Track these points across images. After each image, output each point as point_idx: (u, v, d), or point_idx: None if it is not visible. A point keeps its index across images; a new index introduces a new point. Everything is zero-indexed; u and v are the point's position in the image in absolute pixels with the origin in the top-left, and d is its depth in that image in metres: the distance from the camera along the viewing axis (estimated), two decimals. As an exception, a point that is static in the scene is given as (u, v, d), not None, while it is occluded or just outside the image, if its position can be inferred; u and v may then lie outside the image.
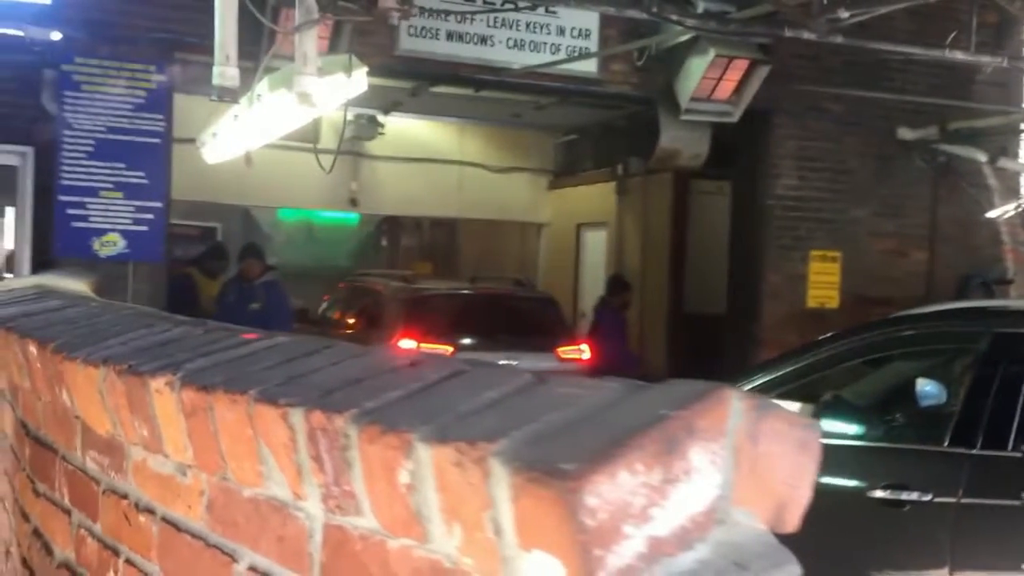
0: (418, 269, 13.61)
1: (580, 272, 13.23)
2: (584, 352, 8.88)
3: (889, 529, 3.79)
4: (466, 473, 0.64)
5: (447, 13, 8.10)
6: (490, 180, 13.11)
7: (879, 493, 3.79)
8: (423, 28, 8.09)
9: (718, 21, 7.78)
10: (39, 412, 1.63)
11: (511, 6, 8.19)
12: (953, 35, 7.85)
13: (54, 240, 7.27)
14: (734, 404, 0.64)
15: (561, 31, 8.57)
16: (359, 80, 5.42)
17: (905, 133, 9.62)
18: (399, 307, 8.76)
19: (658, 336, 11.46)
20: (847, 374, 4.66)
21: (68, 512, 1.47)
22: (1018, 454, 3.66)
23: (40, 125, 7.35)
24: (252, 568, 0.94)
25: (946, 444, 3.75)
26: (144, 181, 7.49)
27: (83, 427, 1.37)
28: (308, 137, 7.56)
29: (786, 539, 0.66)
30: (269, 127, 6.00)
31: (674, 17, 7.26)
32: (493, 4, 8.33)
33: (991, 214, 9.88)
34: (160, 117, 7.50)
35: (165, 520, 1.13)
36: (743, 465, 0.64)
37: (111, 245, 7.41)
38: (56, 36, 7.26)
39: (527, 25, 8.46)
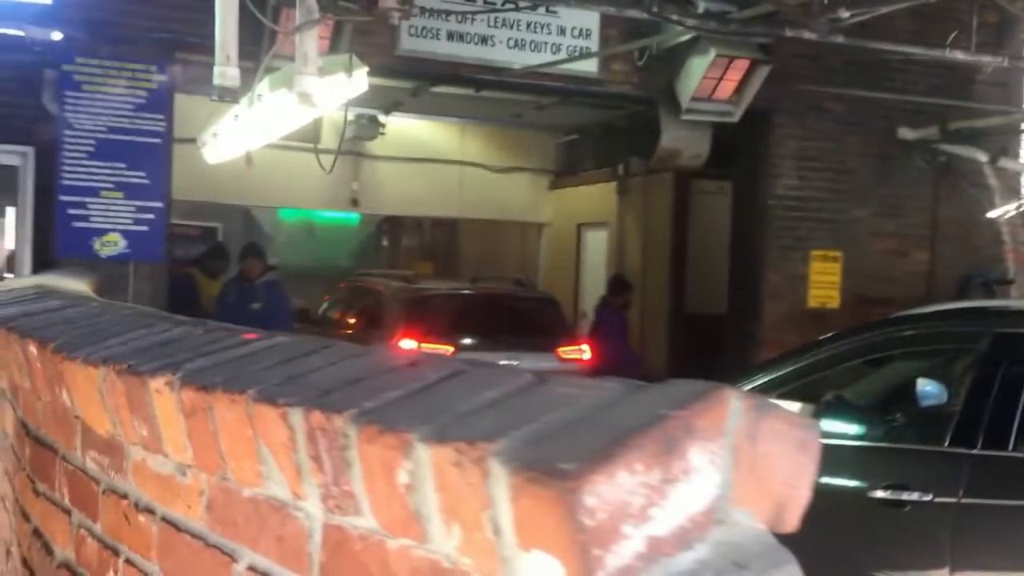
0: (419, 269, 13.61)
1: (581, 272, 13.23)
2: (585, 352, 8.88)
3: (890, 529, 3.79)
4: (465, 473, 0.64)
5: (448, 13, 8.10)
6: (491, 180, 13.11)
7: (880, 493, 3.79)
8: (424, 28, 8.09)
9: (719, 21, 7.78)
10: (39, 412, 1.63)
11: (512, 6, 8.19)
12: (954, 35, 7.85)
13: (55, 240, 7.28)
14: (733, 404, 0.64)
15: (562, 31, 8.57)
16: (360, 80, 5.42)
17: (906, 133, 9.62)
18: (400, 307, 8.76)
19: (659, 336, 11.46)
20: (848, 374, 4.66)
21: (68, 512, 1.47)
22: (1019, 454, 3.66)
23: (41, 125, 7.36)
24: (252, 568, 0.94)
25: (947, 444, 3.75)
26: (145, 181, 7.49)
27: (83, 427, 1.38)
28: (309, 137, 7.56)
29: (786, 539, 0.66)
30: (270, 127, 6.00)
31: (674, 17, 7.25)
32: (494, 4, 8.33)
33: (992, 214, 9.88)
34: (161, 117, 7.50)
35: (165, 520, 1.13)
36: (742, 465, 0.64)
37: (112, 245, 7.41)
38: (57, 36, 7.26)
39: (528, 25, 8.46)
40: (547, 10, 8.30)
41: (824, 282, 9.52)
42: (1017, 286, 10.20)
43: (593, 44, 8.68)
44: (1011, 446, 3.65)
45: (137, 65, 7.41)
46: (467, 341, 8.49)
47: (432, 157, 12.79)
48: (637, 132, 10.37)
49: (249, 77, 5.32)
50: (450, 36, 8.24)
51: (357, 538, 0.79)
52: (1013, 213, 9.85)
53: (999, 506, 3.62)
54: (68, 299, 1.98)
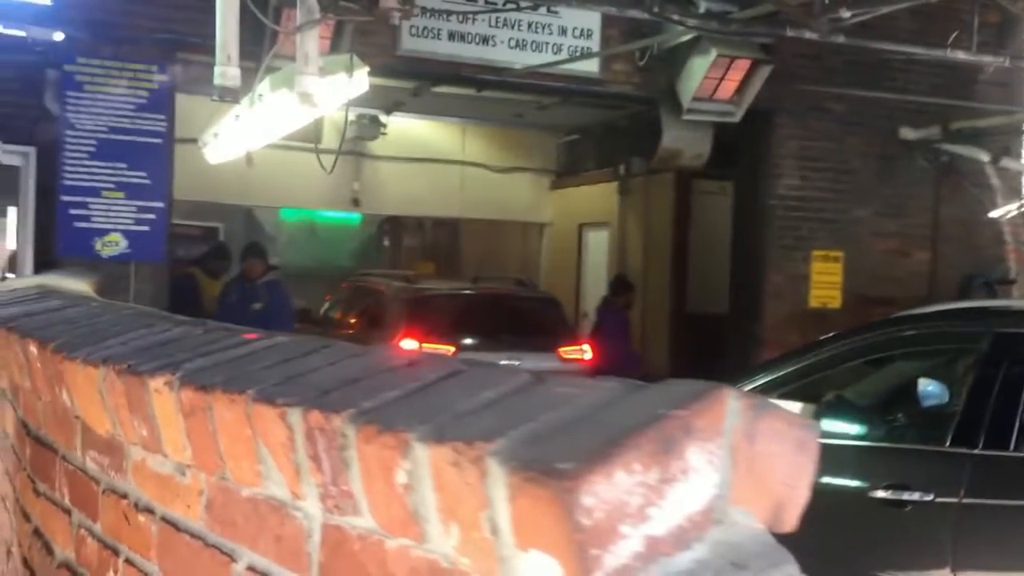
0: (420, 269, 13.61)
1: (582, 272, 13.23)
2: (586, 352, 8.88)
3: (891, 529, 3.79)
4: (463, 473, 0.64)
5: (449, 13, 8.10)
6: (492, 180, 13.11)
7: (881, 493, 3.79)
8: (425, 28, 8.09)
9: (720, 21, 7.78)
10: (40, 412, 1.63)
11: (513, 6, 8.19)
12: (955, 35, 7.85)
13: (56, 240, 7.28)
14: (731, 404, 0.64)
15: (563, 31, 8.57)
16: (360, 80, 5.42)
17: (907, 133, 9.62)
18: (401, 307, 8.76)
19: (660, 336, 11.46)
20: (849, 374, 4.66)
21: (68, 512, 1.48)
22: (1020, 454, 3.66)
23: (42, 125, 7.36)
24: (251, 568, 0.94)
25: (948, 444, 3.75)
26: (146, 181, 7.50)
27: (83, 427, 1.38)
28: (310, 137, 7.56)
29: (787, 539, 0.66)
30: (271, 127, 6.00)
31: (675, 17, 7.25)
32: (495, 4, 8.33)
33: (993, 214, 9.87)
34: (162, 117, 7.51)
35: (164, 520, 1.13)
36: (741, 465, 0.64)
37: (113, 245, 7.42)
38: (58, 36, 7.27)
39: (529, 25, 8.46)
40: (548, 10, 8.30)
41: (825, 282, 9.52)
42: (1019, 286, 10.19)
43: (594, 44, 8.68)
44: (1012, 446, 3.65)
45: (138, 65, 7.42)
46: (468, 341, 8.49)
47: (433, 157, 12.79)
48: (638, 132, 10.37)
49: (250, 77, 5.32)
50: (451, 36, 8.24)
51: (356, 538, 0.79)
52: (1015, 213, 9.84)
53: (1000, 506, 3.62)
54: (69, 299, 1.98)
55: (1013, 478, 3.68)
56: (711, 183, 11.13)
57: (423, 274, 12.01)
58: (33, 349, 1.51)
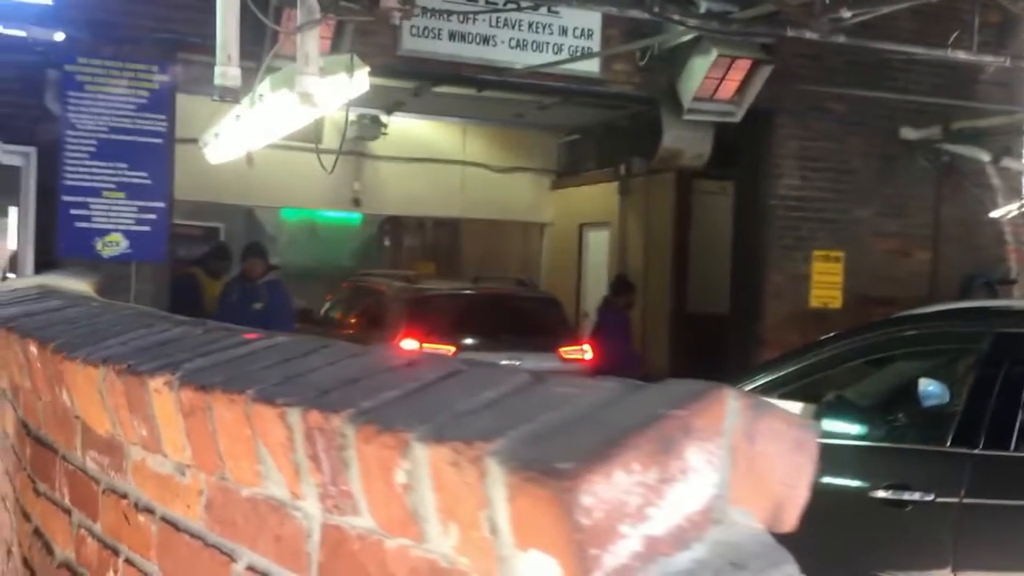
0: (421, 269, 13.61)
1: (583, 272, 13.23)
2: (586, 352, 8.88)
3: (891, 529, 3.79)
4: (462, 473, 0.64)
5: (449, 13, 8.11)
6: (493, 180, 13.11)
7: (881, 493, 3.79)
8: (425, 28, 8.09)
9: (720, 21, 7.78)
10: (40, 412, 1.63)
11: (513, 6, 8.19)
12: (955, 35, 7.84)
13: (57, 240, 7.28)
14: (731, 403, 0.64)
15: (563, 31, 8.57)
16: (361, 80, 5.42)
17: (908, 133, 9.61)
18: (402, 307, 8.76)
19: (661, 336, 11.46)
20: (849, 374, 4.66)
21: (68, 512, 1.48)
22: (1020, 454, 3.65)
23: (43, 125, 7.36)
24: (250, 568, 0.94)
25: (948, 444, 3.75)
26: (147, 181, 7.50)
27: (83, 427, 1.38)
28: (311, 137, 7.56)
29: (787, 539, 0.66)
30: (271, 127, 6.00)
31: (676, 17, 7.25)
32: (495, 4, 8.33)
33: (994, 214, 9.86)
34: (163, 117, 7.51)
35: (164, 520, 1.13)
36: (740, 465, 0.64)
37: (114, 245, 7.42)
38: (59, 36, 7.27)
39: (529, 25, 8.46)
40: (549, 10, 8.30)
41: (826, 282, 9.52)
42: (1020, 286, 10.19)
43: (595, 44, 8.68)
44: (1013, 446, 3.65)
45: (139, 65, 7.42)
46: (469, 341, 8.49)
47: (434, 157, 12.79)
48: (639, 132, 10.37)
49: (250, 77, 5.32)
50: (452, 36, 8.24)
51: (355, 538, 0.79)
52: (1016, 213, 9.84)
53: (1001, 506, 3.61)
54: (69, 299, 1.98)
55: (1013, 478, 3.68)
56: (712, 183, 11.13)
57: (424, 274, 12.01)
58: (33, 349, 1.51)
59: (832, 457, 3.86)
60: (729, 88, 8.65)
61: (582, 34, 8.62)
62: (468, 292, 9.54)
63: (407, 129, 12.27)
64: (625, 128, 11.20)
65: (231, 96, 5.11)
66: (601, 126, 11.88)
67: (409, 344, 7.97)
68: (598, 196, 12.61)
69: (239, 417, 0.89)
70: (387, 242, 17.12)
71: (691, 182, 11.29)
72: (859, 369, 4.70)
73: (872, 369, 4.77)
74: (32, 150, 7.32)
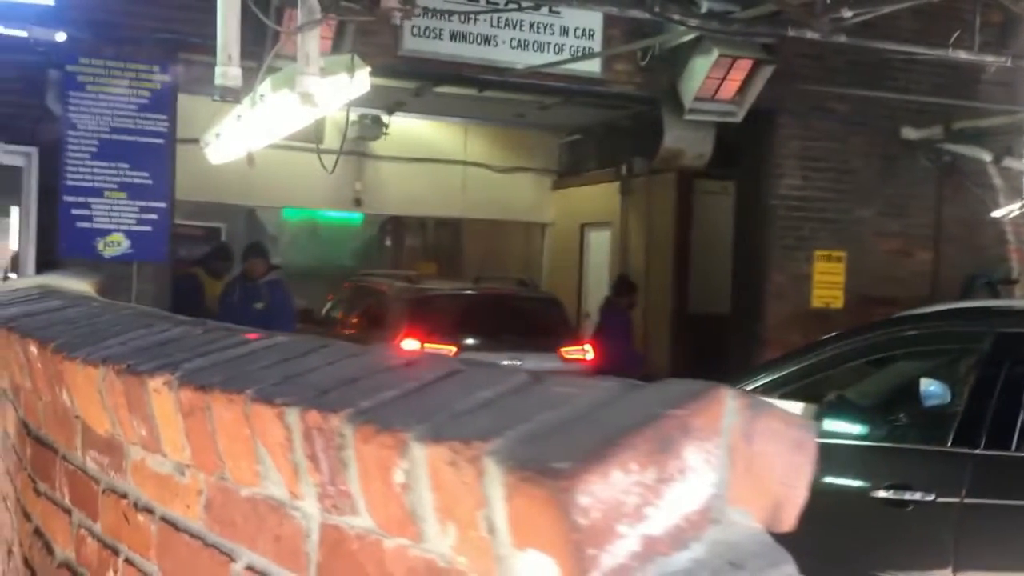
0: (422, 269, 13.60)
1: (584, 272, 13.23)
2: (588, 352, 8.88)
3: (892, 529, 3.78)
4: (460, 472, 0.64)
5: (451, 13, 8.11)
6: (494, 180, 13.11)
7: (882, 493, 3.79)
8: (427, 28, 8.09)
9: (721, 21, 7.77)
10: (40, 412, 1.63)
11: (515, 6, 8.19)
12: (956, 35, 7.84)
13: (58, 240, 7.29)
14: (729, 403, 0.64)
15: (565, 31, 8.57)
16: (362, 80, 5.42)
17: (909, 133, 9.61)
18: (403, 307, 8.76)
19: (662, 336, 11.46)
20: (851, 374, 4.66)
21: (68, 512, 1.48)
22: (1021, 454, 3.65)
23: (44, 125, 7.37)
24: (250, 567, 0.94)
25: (949, 444, 3.75)
26: (148, 181, 7.50)
27: (83, 427, 1.38)
28: (312, 137, 7.56)
29: (788, 539, 0.66)
30: (272, 127, 6.01)
31: (677, 17, 7.25)
32: (497, 4, 8.33)
33: (996, 214, 9.86)
34: (164, 117, 7.52)
35: (164, 519, 1.13)
36: (738, 464, 0.64)
37: (115, 245, 7.42)
38: (60, 37, 7.27)
39: (531, 25, 8.46)
40: (550, 10, 8.30)
41: (828, 282, 9.51)
42: (1021, 286, 10.18)
43: (596, 44, 8.68)
44: (1014, 446, 3.64)
45: (140, 65, 7.43)
46: (470, 341, 8.49)
47: (435, 157, 12.79)
48: (640, 132, 10.37)
49: (251, 77, 5.32)
50: (453, 36, 8.24)
51: (354, 537, 0.79)
52: (1017, 213, 9.83)
53: (1002, 506, 3.61)
54: (69, 299, 1.98)
55: (1014, 478, 3.67)
56: (713, 183, 11.13)
57: (425, 274, 12.01)
58: (33, 349, 1.52)
59: (833, 457, 3.87)
60: (730, 88, 8.65)
61: (583, 34, 8.62)
62: (469, 292, 9.53)
63: (408, 129, 12.27)
64: (626, 128, 11.20)
65: (232, 96, 5.11)
66: (602, 126, 11.87)
67: (410, 344, 7.97)
68: (599, 196, 12.61)
69: (238, 417, 0.89)
70: (388, 242, 17.12)
71: (692, 182, 11.29)
72: (860, 369, 4.70)
73: (873, 369, 4.77)
74: (33, 150, 7.33)
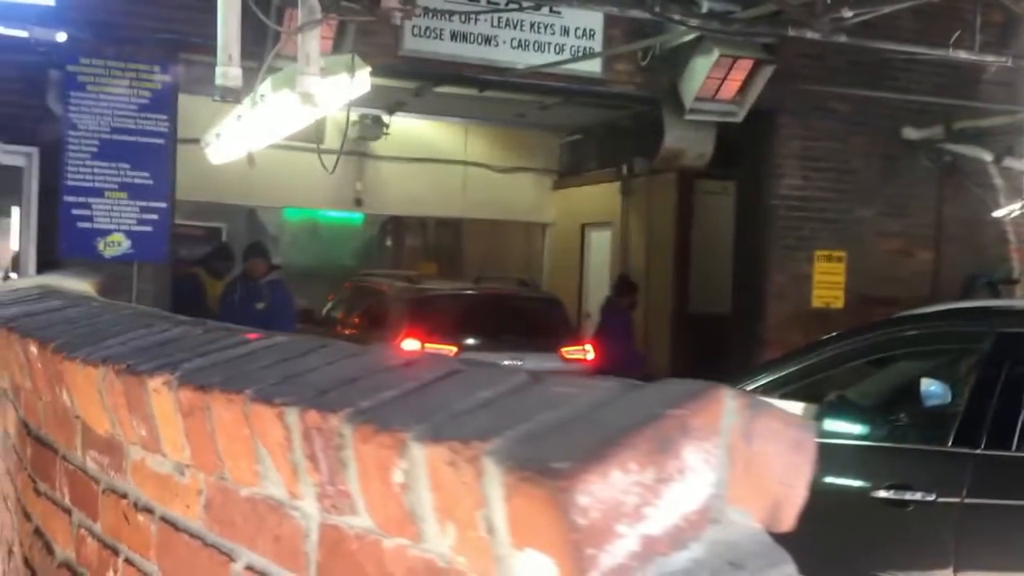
0: (423, 269, 13.60)
1: (585, 272, 13.23)
2: (588, 352, 8.87)
3: (893, 529, 3.78)
4: (459, 472, 0.64)
5: (451, 13, 8.11)
6: (495, 180, 13.11)
7: (883, 493, 3.79)
8: (427, 28, 8.09)
9: (721, 21, 7.77)
10: (40, 412, 1.63)
11: (515, 6, 8.19)
12: (957, 34, 7.83)
13: (59, 240, 7.29)
14: (728, 403, 0.64)
15: (565, 31, 8.57)
16: (362, 80, 5.43)
17: (910, 133, 9.60)
18: (403, 307, 8.76)
19: (663, 336, 11.45)
20: (851, 374, 4.66)
21: (69, 511, 1.48)
22: (1022, 454, 3.65)
23: (45, 125, 7.37)
24: (249, 567, 0.94)
25: (950, 444, 3.75)
26: (149, 181, 7.51)
27: (83, 427, 1.38)
28: (312, 137, 7.56)
29: (788, 539, 0.66)
30: (273, 127, 6.01)
31: (677, 17, 7.25)
32: (497, 4, 8.33)
33: (997, 214, 9.85)
34: (164, 117, 7.52)
35: (164, 519, 1.13)
36: (737, 464, 0.64)
37: (116, 245, 7.42)
38: (61, 37, 7.28)
39: (531, 25, 8.46)
40: (551, 10, 8.30)
41: (828, 282, 9.51)
42: (1022, 286, 10.17)
43: (597, 44, 8.68)
44: (1014, 446, 3.64)
45: (141, 65, 7.43)
46: (471, 341, 8.49)
47: (436, 157, 12.79)
48: (641, 132, 10.37)
49: (252, 77, 5.32)
50: (454, 36, 8.24)
51: (353, 537, 0.79)
52: (1018, 212, 9.82)
53: (1002, 506, 3.61)
54: (69, 299, 1.98)
55: (1015, 478, 3.67)
56: (714, 183, 11.12)
57: (425, 274, 12.01)
58: (33, 349, 1.52)
59: (834, 457, 3.87)
60: (731, 88, 8.64)
61: (584, 34, 8.62)
62: (470, 292, 9.53)
63: (409, 129, 12.27)
64: (627, 128, 11.20)
65: (232, 96, 5.11)
66: (603, 126, 11.87)
67: (411, 344, 7.97)
68: (600, 196, 12.61)
69: (237, 417, 0.89)
70: (389, 242, 17.12)
71: (693, 182, 11.28)
72: (861, 369, 4.70)
73: (874, 369, 4.77)
74: (34, 150, 7.33)
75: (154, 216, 7.52)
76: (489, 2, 8.31)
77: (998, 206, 9.87)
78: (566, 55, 8.53)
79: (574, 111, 10.57)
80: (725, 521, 0.63)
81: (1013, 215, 9.87)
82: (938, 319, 4.53)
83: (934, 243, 9.93)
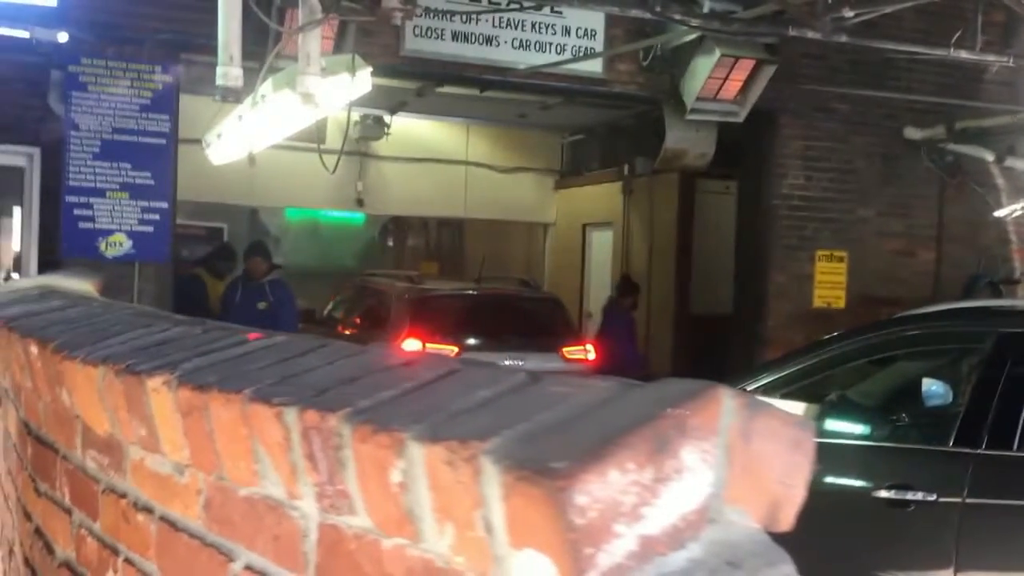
0: (424, 269, 13.61)
1: (586, 272, 13.23)
2: (589, 352, 8.87)
3: (894, 529, 3.78)
4: (457, 472, 0.64)
5: (452, 13, 8.11)
6: (496, 180, 13.12)
7: (884, 493, 3.78)
8: (428, 28, 8.09)
9: (723, 21, 7.77)
10: (41, 412, 1.63)
11: (516, 6, 8.19)
12: (958, 34, 7.83)
13: (60, 241, 7.30)
14: (726, 403, 0.64)
15: (567, 31, 8.57)
16: (363, 80, 5.43)
17: (912, 132, 9.60)
18: (405, 307, 8.76)
19: (664, 336, 11.45)
20: (852, 374, 4.65)
21: (69, 511, 1.48)
22: (1023, 454, 3.65)
23: (47, 126, 7.38)
24: (248, 567, 0.94)
25: (951, 444, 3.74)
26: (150, 182, 7.51)
27: (83, 426, 1.38)
28: (314, 137, 7.57)
29: (789, 538, 0.66)
30: (274, 127, 6.01)
31: (678, 17, 7.25)
32: (498, 4, 8.33)
33: (999, 214, 9.85)
34: (166, 118, 7.52)
35: (163, 519, 1.13)
36: (736, 464, 0.64)
37: (117, 246, 7.43)
38: (63, 37, 7.28)
39: (532, 25, 8.46)
40: (552, 10, 8.30)
41: (830, 282, 9.50)
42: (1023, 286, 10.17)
43: (598, 44, 8.68)
44: (1015, 446, 3.64)
45: (142, 66, 7.43)
46: (472, 341, 8.49)
47: (437, 157, 12.80)
48: (642, 132, 10.38)
49: (253, 77, 5.32)
50: (455, 36, 8.24)
51: (352, 537, 0.79)
52: (1020, 212, 9.81)
53: (1003, 506, 3.61)
54: (70, 299, 1.98)
55: (1016, 478, 3.67)
56: (715, 183, 11.12)
57: (427, 274, 12.01)
58: (34, 349, 1.52)
59: (835, 457, 3.86)
60: (732, 88, 8.64)
61: (585, 34, 8.62)
62: (471, 292, 9.53)
63: (410, 129, 12.27)
64: (628, 128, 11.20)
65: (233, 96, 5.12)
66: (604, 126, 11.87)
67: (412, 344, 7.97)
68: (601, 196, 12.61)
69: (236, 417, 0.89)
70: (390, 242, 17.13)
71: (695, 182, 11.28)
72: (862, 369, 4.70)
73: (875, 369, 4.77)
74: (36, 151, 7.34)
75: (155, 216, 7.52)
76: (490, 2, 8.31)
77: (1000, 206, 9.86)
78: (567, 55, 8.53)
79: (575, 111, 10.57)
80: (723, 521, 0.63)
81: (1015, 215, 9.86)
82: (939, 319, 4.53)
83: (936, 243, 9.93)
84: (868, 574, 3.82)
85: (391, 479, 0.70)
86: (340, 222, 15.27)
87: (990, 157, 9.41)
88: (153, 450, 1.11)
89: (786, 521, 0.67)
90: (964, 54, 7.59)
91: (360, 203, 13.01)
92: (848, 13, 6.55)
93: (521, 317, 9.20)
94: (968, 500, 3.59)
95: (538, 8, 8.16)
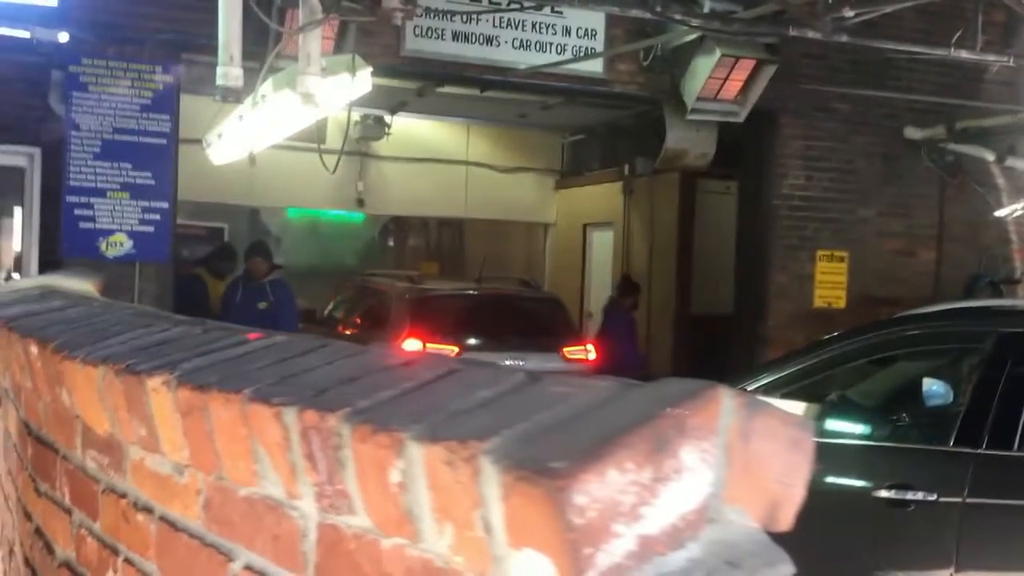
0: (424, 269, 13.61)
1: (587, 272, 13.23)
2: (590, 352, 8.87)
3: (894, 529, 3.78)
4: (456, 472, 0.64)
5: (453, 13, 8.11)
6: (496, 180, 13.12)
7: (884, 493, 3.78)
8: (429, 28, 8.09)
9: (723, 21, 7.77)
10: (41, 412, 1.63)
11: (517, 6, 8.18)
12: (958, 34, 7.83)
13: (61, 241, 7.30)
14: (726, 402, 0.64)
15: (567, 31, 8.57)
16: (363, 80, 5.43)
17: (912, 132, 9.60)
18: (405, 307, 8.76)
19: (665, 336, 11.45)
20: (853, 374, 4.65)
21: (69, 511, 1.48)
22: (1023, 454, 3.65)
23: (47, 126, 7.38)
24: (248, 567, 0.94)
25: (951, 444, 3.74)
26: (151, 182, 7.51)
27: (83, 426, 1.38)
28: (314, 137, 7.56)
29: (789, 538, 0.66)
30: (274, 127, 6.01)
31: (679, 17, 7.25)
32: (499, 4, 8.33)
33: (999, 213, 9.84)
34: (166, 118, 7.52)
35: (163, 519, 1.13)
36: (735, 463, 0.64)
37: (118, 246, 7.43)
38: (63, 37, 7.28)
39: (533, 25, 8.46)
40: (552, 10, 8.30)
41: (830, 282, 9.50)
42: (1024, 286, 10.17)
43: (598, 44, 8.68)
44: (1016, 446, 3.64)
45: (142, 66, 7.43)
46: (472, 341, 8.49)
47: (438, 157, 12.80)
48: (643, 132, 10.37)
49: (253, 78, 5.32)
50: (455, 36, 8.24)
51: (351, 537, 0.79)
52: (1020, 212, 9.81)
53: (1003, 506, 3.61)
54: (70, 299, 1.98)
55: (1016, 478, 3.67)
56: (716, 183, 11.12)
57: (427, 274, 12.01)
58: (34, 349, 1.52)
59: (835, 457, 3.86)
60: (733, 88, 8.64)
61: (586, 34, 8.61)
62: (471, 292, 9.53)
63: (411, 129, 12.27)
64: (629, 128, 11.20)
65: (233, 96, 5.12)
66: (605, 126, 11.87)
67: (413, 344, 7.97)
68: (602, 196, 12.61)
69: (235, 417, 0.89)
70: (391, 242, 17.12)
71: (695, 182, 11.28)
72: (862, 369, 4.70)
73: (875, 369, 4.77)
74: (36, 151, 7.34)
75: (156, 216, 7.53)
76: (491, 2, 8.31)
77: (1000, 206, 9.86)
78: (568, 55, 8.53)
79: (576, 111, 10.57)
80: (723, 520, 0.63)
81: (1015, 215, 9.86)
82: (940, 319, 4.53)
83: (936, 243, 9.92)
84: (868, 574, 3.81)
85: (390, 479, 0.70)
86: (340, 222, 15.26)
87: (990, 157, 9.40)
88: (153, 450, 1.11)
89: (785, 521, 0.67)
90: (964, 54, 7.59)
91: (360, 203, 13.01)
92: (848, 13, 6.55)
93: (522, 317, 9.20)
94: (968, 500, 3.59)
95: (538, 8, 8.16)
